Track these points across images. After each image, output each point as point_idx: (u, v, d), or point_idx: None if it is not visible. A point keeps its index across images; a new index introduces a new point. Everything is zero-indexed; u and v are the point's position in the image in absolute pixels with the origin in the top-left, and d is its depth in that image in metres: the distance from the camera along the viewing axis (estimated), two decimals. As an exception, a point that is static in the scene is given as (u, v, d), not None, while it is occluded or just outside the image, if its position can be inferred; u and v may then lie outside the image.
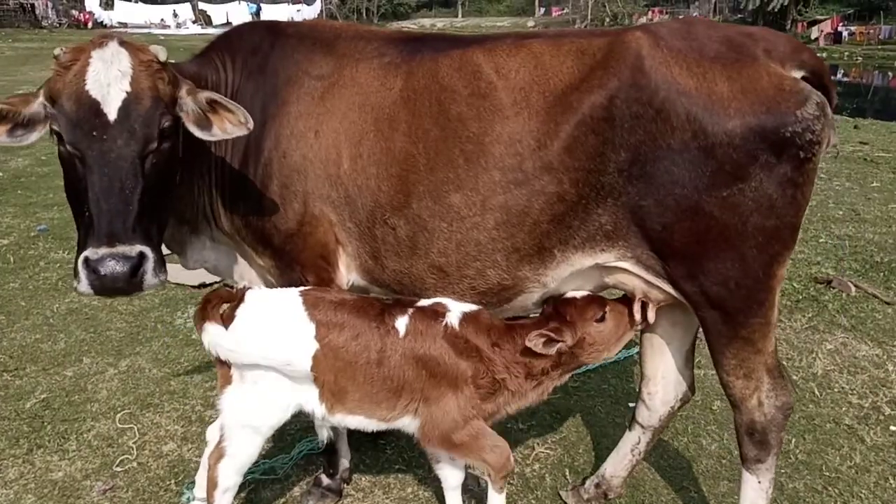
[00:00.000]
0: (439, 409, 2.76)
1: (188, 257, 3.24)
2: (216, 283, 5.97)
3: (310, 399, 2.72)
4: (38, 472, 3.60)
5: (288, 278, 3.01)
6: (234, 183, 2.94)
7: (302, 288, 2.84)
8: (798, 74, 2.46)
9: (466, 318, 2.80)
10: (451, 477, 3.03)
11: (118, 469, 3.61)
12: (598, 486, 3.31)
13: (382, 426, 2.83)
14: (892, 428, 3.95)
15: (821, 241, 6.93)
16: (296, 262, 2.96)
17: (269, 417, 2.72)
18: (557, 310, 2.81)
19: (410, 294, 2.95)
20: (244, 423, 2.71)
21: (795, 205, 2.44)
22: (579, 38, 2.66)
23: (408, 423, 2.82)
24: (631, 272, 2.68)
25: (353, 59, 2.91)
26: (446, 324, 2.75)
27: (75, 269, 2.39)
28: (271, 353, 2.64)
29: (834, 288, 5.76)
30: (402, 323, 2.74)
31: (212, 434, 2.97)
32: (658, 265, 2.62)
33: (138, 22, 53.76)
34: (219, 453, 2.76)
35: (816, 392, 4.31)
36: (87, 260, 2.31)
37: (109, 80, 2.41)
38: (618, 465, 3.26)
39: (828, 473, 3.58)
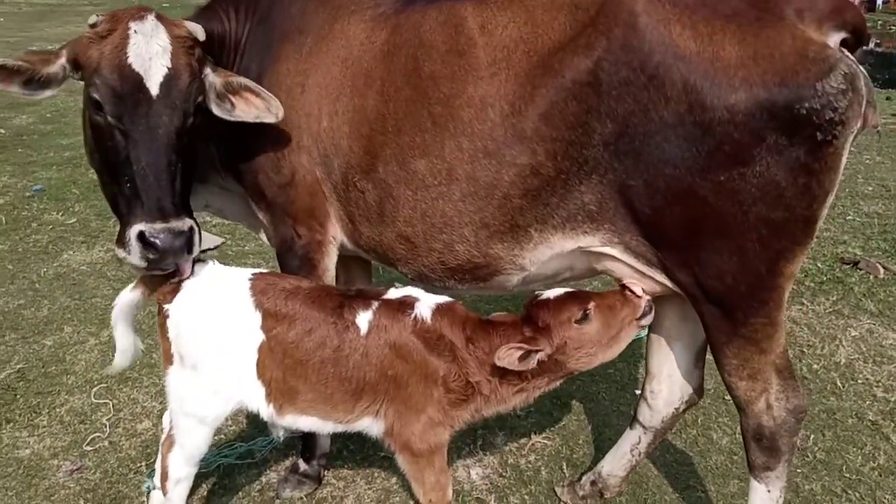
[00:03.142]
0: (405, 410, 2.47)
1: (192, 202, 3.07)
2: (214, 248, 5.77)
3: (255, 397, 2.46)
4: (5, 448, 3.41)
5: (281, 232, 2.88)
6: (234, 134, 2.80)
7: (256, 271, 2.59)
8: (838, 37, 2.10)
9: (440, 309, 2.50)
10: None
11: (88, 448, 3.42)
12: (594, 483, 3.05)
13: (339, 429, 2.57)
14: (920, 426, 3.65)
15: (848, 218, 6.55)
16: (287, 215, 2.82)
17: (211, 408, 2.47)
18: (530, 314, 2.46)
19: (386, 264, 2.77)
20: (187, 412, 2.48)
21: (809, 195, 2.10)
22: None
23: (368, 425, 2.55)
24: (619, 259, 2.40)
25: (347, 10, 2.71)
26: (416, 316, 2.46)
27: (123, 240, 2.40)
28: (207, 338, 2.41)
29: (861, 269, 5.40)
30: (364, 318, 2.45)
31: (167, 420, 2.75)
32: (649, 252, 2.34)
33: (158, -21, 53.19)
34: (170, 442, 2.57)
35: (838, 383, 4.00)
36: (141, 234, 2.33)
37: (151, 55, 2.41)
38: (616, 463, 3.00)
39: (848, 475, 3.30)
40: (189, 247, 2.39)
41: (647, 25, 2.12)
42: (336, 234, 2.82)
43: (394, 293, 2.56)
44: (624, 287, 2.49)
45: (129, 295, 2.56)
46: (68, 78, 2.54)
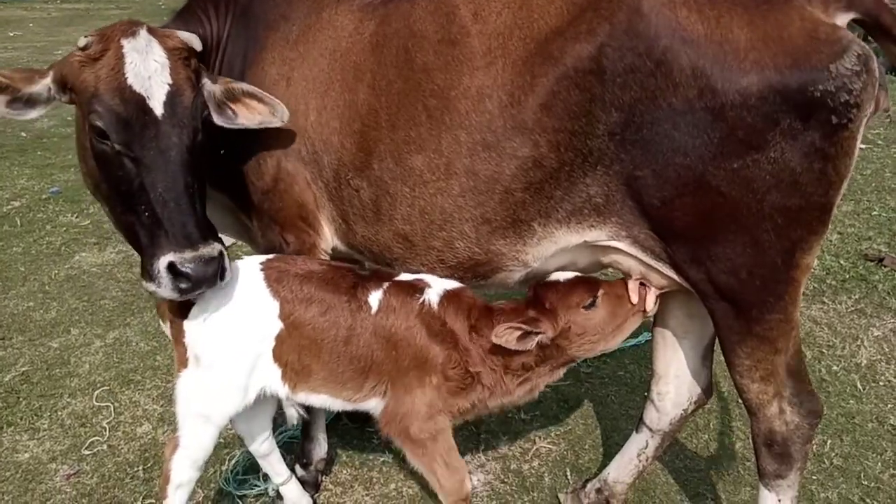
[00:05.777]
0: (403, 394, 2.46)
1: None
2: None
3: (271, 380, 2.46)
4: (5, 452, 3.39)
5: (268, 240, 2.79)
6: (216, 136, 2.68)
7: (264, 258, 2.54)
8: (846, 18, 1.99)
9: (447, 296, 2.48)
10: None
11: (86, 452, 3.39)
12: (599, 490, 2.94)
13: (348, 407, 2.57)
14: (945, 431, 3.49)
15: (874, 213, 6.34)
16: (274, 222, 2.73)
17: (222, 405, 2.44)
18: (537, 295, 2.43)
19: (382, 264, 2.68)
20: (195, 412, 2.44)
21: (826, 181, 2.00)
22: None
23: (375, 406, 2.54)
24: (626, 253, 2.30)
25: (333, 0, 2.60)
26: (423, 301, 2.45)
27: (149, 272, 2.24)
28: (228, 335, 2.38)
29: (886, 266, 5.21)
30: (375, 298, 2.45)
31: None
32: (658, 247, 2.23)
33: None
34: (173, 444, 2.51)
35: (859, 385, 3.85)
36: (172, 265, 2.19)
37: (150, 73, 2.28)
38: (622, 469, 2.89)
39: (867, 482, 3.16)
40: (222, 273, 2.27)
41: (652, 9, 2.02)
42: (327, 238, 2.74)
43: (407, 276, 2.54)
44: (626, 278, 2.45)
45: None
46: (54, 100, 2.40)
